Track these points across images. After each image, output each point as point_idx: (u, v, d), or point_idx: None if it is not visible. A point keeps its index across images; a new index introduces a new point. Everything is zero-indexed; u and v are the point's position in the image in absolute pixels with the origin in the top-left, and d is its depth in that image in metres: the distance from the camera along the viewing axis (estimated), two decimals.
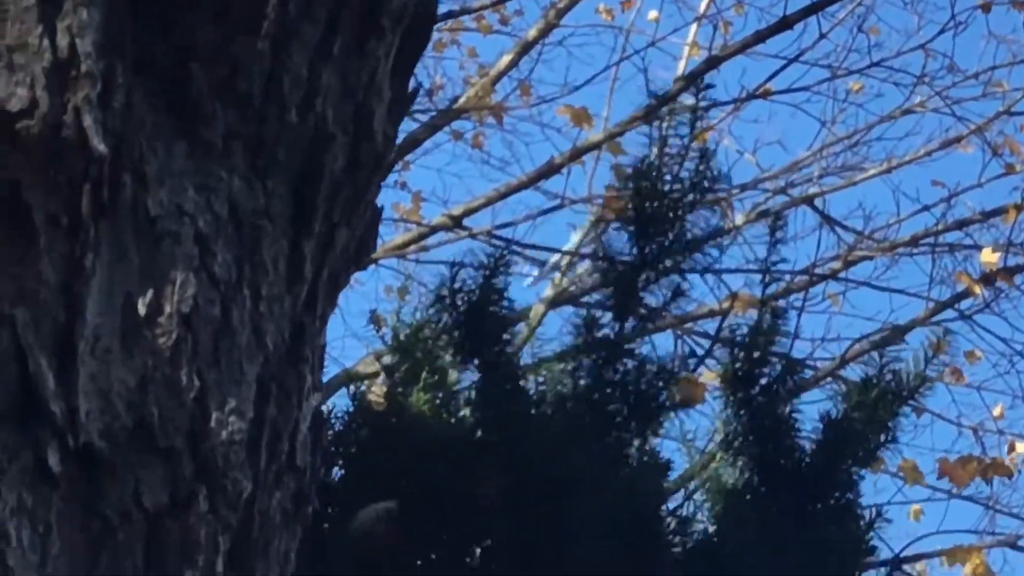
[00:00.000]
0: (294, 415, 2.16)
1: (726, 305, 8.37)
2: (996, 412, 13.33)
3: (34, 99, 1.84)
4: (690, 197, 6.31)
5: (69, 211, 1.87)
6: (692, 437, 6.80)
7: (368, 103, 2.21)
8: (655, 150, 6.45)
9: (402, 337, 6.29)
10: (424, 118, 12.81)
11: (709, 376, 7.28)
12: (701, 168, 6.33)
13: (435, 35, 12.63)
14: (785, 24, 12.61)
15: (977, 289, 12.56)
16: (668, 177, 6.14)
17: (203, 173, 2.02)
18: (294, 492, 2.18)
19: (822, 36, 13.13)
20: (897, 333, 11.64)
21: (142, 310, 1.95)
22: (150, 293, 1.96)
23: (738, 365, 6.21)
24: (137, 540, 1.92)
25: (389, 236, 12.57)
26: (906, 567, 8.33)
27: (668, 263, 6.22)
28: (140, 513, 1.93)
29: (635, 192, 6.24)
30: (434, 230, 13.03)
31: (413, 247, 12.95)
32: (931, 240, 13.22)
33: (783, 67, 13.31)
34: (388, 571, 5.39)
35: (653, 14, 13.65)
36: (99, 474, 1.89)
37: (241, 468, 2.02)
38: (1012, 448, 12.77)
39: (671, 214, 6.22)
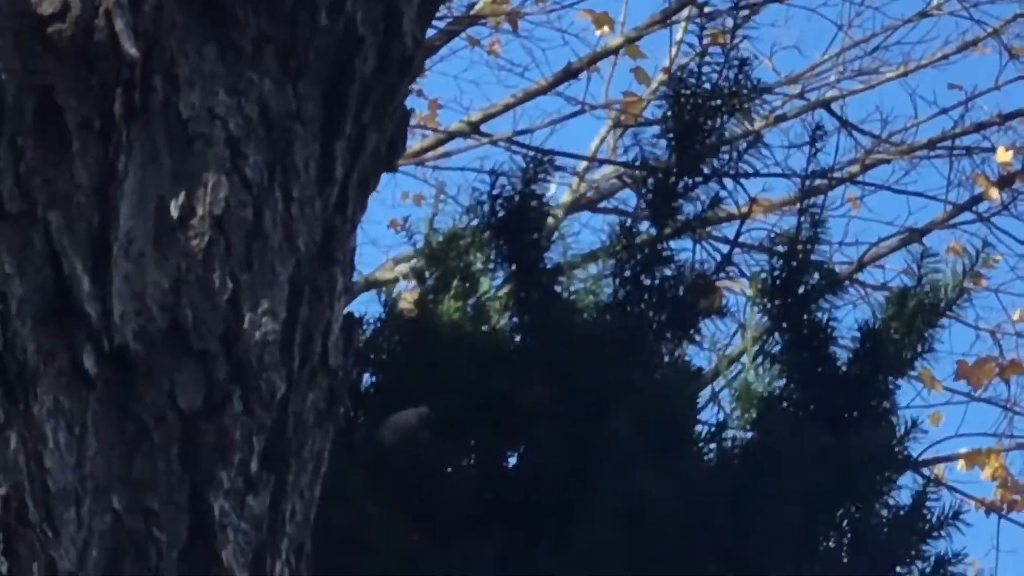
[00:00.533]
0: (326, 316, 2.16)
1: (745, 210, 8.28)
2: (1015, 316, 13.28)
3: (66, 3, 1.84)
4: (728, 105, 6.29)
5: (101, 114, 1.88)
6: (725, 345, 6.84)
7: (397, 4, 2.20)
8: (694, 57, 6.44)
9: (435, 244, 6.28)
10: (440, 24, 12.77)
11: (728, 286, 7.27)
12: (740, 77, 6.30)
13: None
14: None
15: (994, 192, 12.56)
16: (707, 85, 6.13)
17: (234, 76, 2.02)
18: (327, 392, 2.18)
19: None
20: (915, 236, 11.60)
21: (175, 212, 1.95)
22: (182, 195, 1.96)
23: (776, 273, 6.17)
24: (172, 441, 1.94)
25: (407, 142, 12.47)
26: (924, 470, 8.34)
27: (706, 170, 6.21)
28: (175, 414, 1.95)
29: (675, 97, 6.18)
30: (452, 136, 12.99)
31: (431, 154, 12.91)
32: (948, 143, 13.17)
33: None
34: (419, 477, 5.38)
35: None
36: (134, 376, 1.90)
37: (275, 369, 2.03)
38: None
39: (709, 122, 6.20)
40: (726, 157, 6.47)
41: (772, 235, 6.85)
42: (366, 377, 6.05)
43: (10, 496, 1.75)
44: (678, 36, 12.85)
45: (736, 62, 6.31)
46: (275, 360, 2.04)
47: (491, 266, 6.12)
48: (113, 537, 1.88)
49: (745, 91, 6.30)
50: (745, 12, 9.16)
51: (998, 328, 13.11)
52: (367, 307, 7.55)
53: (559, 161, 12.33)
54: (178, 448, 1.95)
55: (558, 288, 6.03)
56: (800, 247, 6.32)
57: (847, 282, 8.62)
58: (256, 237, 2.04)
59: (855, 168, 13.24)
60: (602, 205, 12.49)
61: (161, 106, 1.95)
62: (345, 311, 2.29)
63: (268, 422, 2.05)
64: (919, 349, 6.23)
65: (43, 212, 1.85)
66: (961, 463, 12.17)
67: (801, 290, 6.16)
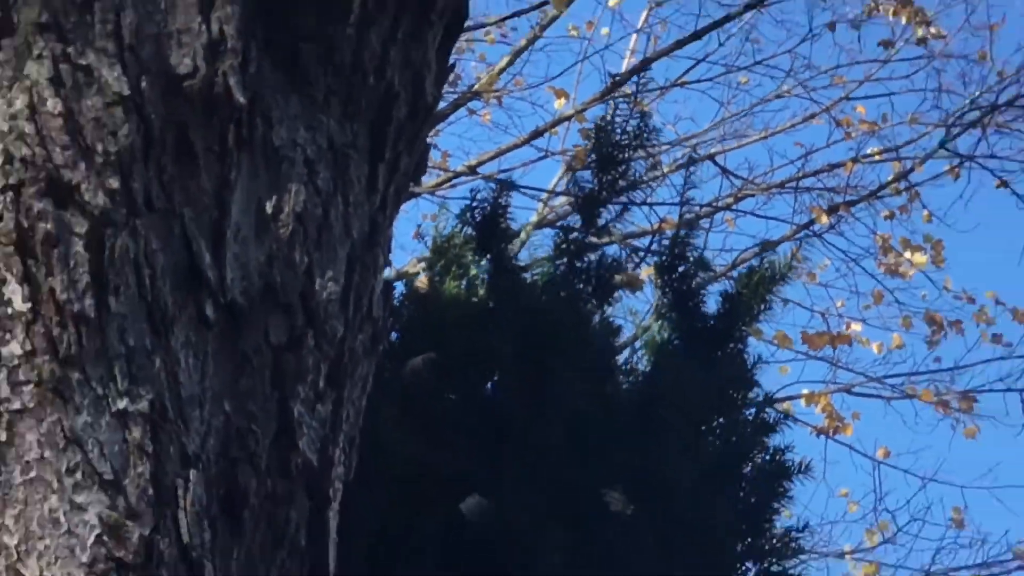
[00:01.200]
0: (371, 283, 2.18)
1: (656, 227, 8.45)
2: (838, 304, 13.53)
3: (196, 66, 1.85)
4: (633, 145, 6.33)
5: (220, 143, 1.89)
6: (635, 312, 6.99)
7: (422, 72, 2.22)
8: (609, 115, 6.49)
9: (439, 243, 6.34)
10: (450, 98, 12.85)
11: (646, 272, 7.33)
12: (641, 125, 6.31)
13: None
14: (696, 36, 12.75)
15: (825, 217, 12.76)
16: (619, 132, 6.19)
17: (310, 117, 2.04)
18: (371, 335, 2.19)
19: (720, 44, 13.17)
20: (769, 245, 11.72)
21: (268, 210, 1.96)
22: (274, 199, 1.97)
23: (666, 261, 6.22)
24: (265, 366, 1.95)
25: (425, 180, 12.67)
26: (777, 406, 8.41)
27: (618, 195, 6.32)
28: (267, 348, 1.96)
29: (596, 143, 6.19)
30: (456, 175, 13.03)
31: (442, 188, 12.93)
32: (794, 184, 13.24)
33: (694, 65, 13.36)
34: (425, 400, 5.39)
35: (605, 30, 13.64)
36: (240, 322, 1.91)
37: (336, 317, 2.04)
38: (848, 326, 12.97)
39: (621, 156, 6.22)
40: (639, 191, 6.63)
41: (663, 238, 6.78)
42: (394, 334, 6.15)
43: (155, 401, 1.75)
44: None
45: (639, 114, 6.34)
46: (336, 311, 2.05)
47: (476, 257, 6.13)
48: (224, 431, 1.89)
49: (645, 134, 6.30)
50: (647, 84, 9.43)
51: (827, 311, 13.17)
52: (395, 288, 7.65)
53: (530, 191, 12.44)
54: (269, 371, 1.95)
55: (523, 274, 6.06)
56: (680, 241, 6.34)
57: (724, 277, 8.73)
58: (324, 228, 2.04)
59: (730, 200, 13.26)
60: (560, 224, 12.61)
61: (260, 138, 1.96)
62: (383, 281, 2.30)
63: (331, 354, 2.04)
64: (761, 308, 6.27)
65: (179, 209, 1.85)
66: (803, 401, 12.34)
67: (682, 269, 6.19)
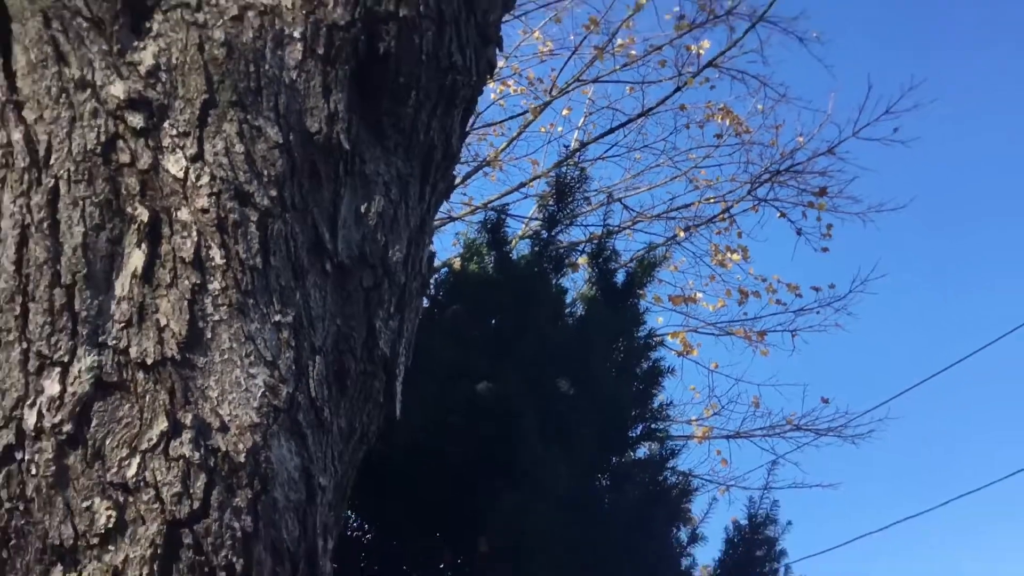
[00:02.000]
0: (422, 254, 2.15)
1: (589, 237, 8.35)
2: (689, 283, 14.06)
3: (321, 128, 1.84)
4: (576, 190, 6.30)
5: (334, 172, 1.89)
6: (576, 281, 7.06)
7: (450, 133, 2.19)
8: (564, 174, 6.44)
9: (467, 243, 6.31)
10: (472, 165, 13.17)
11: (582, 260, 7.27)
12: (580, 178, 6.29)
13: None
14: (611, 131, 13.36)
15: (682, 233, 13.68)
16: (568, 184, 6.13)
17: (386, 159, 2.01)
18: (421, 283, 2.17)
19: (624, 136, 13.86)
20: (653, 247, 11.62)
21: (362, 211, 1.95)
22: (365, 204, 1.95)
23: (594, 253, 6.14)
24: (360, 299, 1.95)
25: (458, 210, 12.99)
26: (656, 338, 8.36)
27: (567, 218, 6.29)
28: (361, 289, 1.94)
29: (556, 189, 6.12)
30: (476, 208, 12.85)
31: (468, 215, 12.89)
32: (666, 215, 13.98)
33: (609, 148, 13.83)
34: (458, 332, 5.36)
35: (560, 129, 14.00)
36: (345, 274, 1.90)
37: (401, 272, 2.03)
38: (695, 295, 13.52)
39: (569, 197, 6.16)
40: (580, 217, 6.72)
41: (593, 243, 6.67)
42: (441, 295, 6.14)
43: (297, 316, 1.78)
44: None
45: (579, 172, 6.34)
46: (400, 269, 2.03)
47: (488, 251, 6.09)
48: (336, 334, 1.89)
49: (583, 184, 6.28)
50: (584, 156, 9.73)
51: (683, 285, 14.00)
52: (440, 270, 7.59)
53: (517, 216, 12.54)
54: (362, 301, 1.95)
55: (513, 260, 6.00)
56: (602, 246, 6.28)
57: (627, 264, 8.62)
58: (394, 221, 2.02)
59: (630, 223, 13.77)
60: (534, 234, 12.56)
61: (358, 170, 1.95)
62: (428, 253, 2.29)
63: (397, 292, 2.04)
64: (646, 280, 6.23)
65: (311, 208, 1.86)
66: (670, 336, 12.94)
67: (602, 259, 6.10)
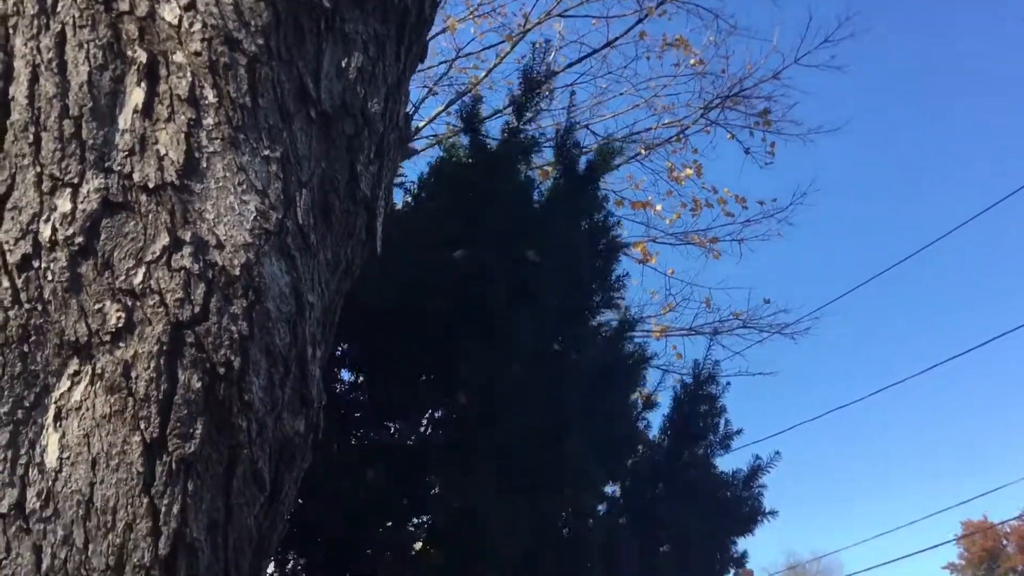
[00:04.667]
0: (399, 108, 2.11)
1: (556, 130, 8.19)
2: (650, 198, 14.26)
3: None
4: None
5: (317, 29, 1.86)
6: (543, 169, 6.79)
7: (424, 5, 2.19)
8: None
9: (446, 147, 6.16)
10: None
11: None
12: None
13: None
14: (579, 60, 13.73)
15: (644, 151, 13.86)
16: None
17: (365, 20, 1.96)
18: (397, 136, 2.14)
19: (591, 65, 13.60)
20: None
21: (343, 65, 1.91)
22: (345, 60, 1.93)
23: (561, 143, 5.98)
24: (342, 144, 1.93)
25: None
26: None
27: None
28: (343, 135, 1.92)
29: (524, 86, 5.87)
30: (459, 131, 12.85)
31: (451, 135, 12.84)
32: (628, 135, 13.88)
33: (577, 78, 13.89)
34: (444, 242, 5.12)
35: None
36: (329, 121, 1.88)
37: (379, 121, 2.01)
38: (656, 207, 13.81)
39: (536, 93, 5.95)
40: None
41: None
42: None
43: (284, 152, 1.77)
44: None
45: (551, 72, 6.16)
46: (379, 119, 2.00)
47: (464, 151, 5.89)
48: (321, 176, 1.87)
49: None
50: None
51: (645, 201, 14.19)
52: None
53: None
54: (344, 146, 1.93)
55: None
56: (567, 137, 6.09)
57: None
58: (372, 76, 1.99)
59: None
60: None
61: (339, 28, 1.92)
62: (404, 113, 2.24)
63: (376, 140, 2.02)
64: (607, 168, 6.09)
65: (296, 59, 1.83)
66: (632, 246, 13.06)
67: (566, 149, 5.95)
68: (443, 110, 13.01)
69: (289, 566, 4.63)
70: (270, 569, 4.66)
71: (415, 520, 4.59)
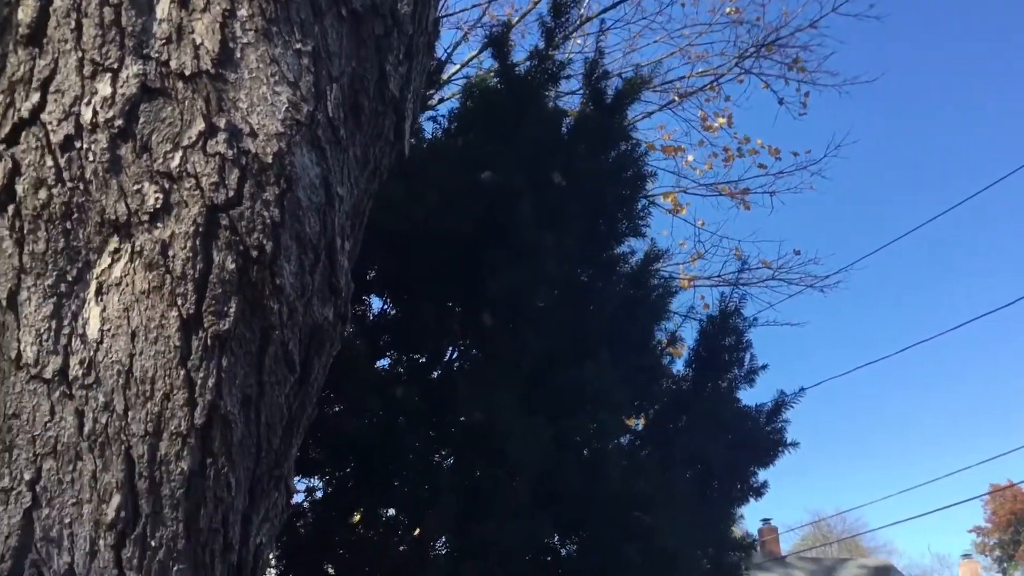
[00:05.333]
0: (428, 12, 2.11)
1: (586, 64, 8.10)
2: (683, 148, 14.21)
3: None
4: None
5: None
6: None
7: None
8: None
9: (476, 79, 6.10)
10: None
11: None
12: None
13: None
14: (613, 6, 13.06)
15: (678, 98, 13.75)
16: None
17: None
18: (426, 40, 2.15)
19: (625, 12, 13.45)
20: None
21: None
22: None
23: (589, 71, 5.93)
24: (372, 44, 1.94)
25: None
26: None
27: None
28: (373, 37, 1.93)
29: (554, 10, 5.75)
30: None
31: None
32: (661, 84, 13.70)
33: (611, 23, 13.60)
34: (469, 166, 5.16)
35: None
36: (360, 20, 1.90)
37: (409, 23, 2.02)
38: (688, 158, 14.03)
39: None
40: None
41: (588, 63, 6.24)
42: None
43: (315, 47, 1.80)
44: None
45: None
46: (409, 21, 2.01)
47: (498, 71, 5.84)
48: (351, 75, 1.88)
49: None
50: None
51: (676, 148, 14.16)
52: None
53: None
54: (374, 48, 1.94)
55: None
56: (595, 66, 5.97)
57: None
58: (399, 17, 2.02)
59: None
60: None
61: None
62: (434, 15, 2.25)
63: (405, 42, 2.02)
64: (634, 97, 5.98)
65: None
66: (661, 197, 13.07)
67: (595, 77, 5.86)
68: (476, 55, 12.90)
69: (325, 479, 4.77)
70: (315, 483, 4.81)
71: (441, 435, 4.69)
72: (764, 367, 8.03)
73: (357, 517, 4.75)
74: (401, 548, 4.43)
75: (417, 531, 4.43)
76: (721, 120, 14.07)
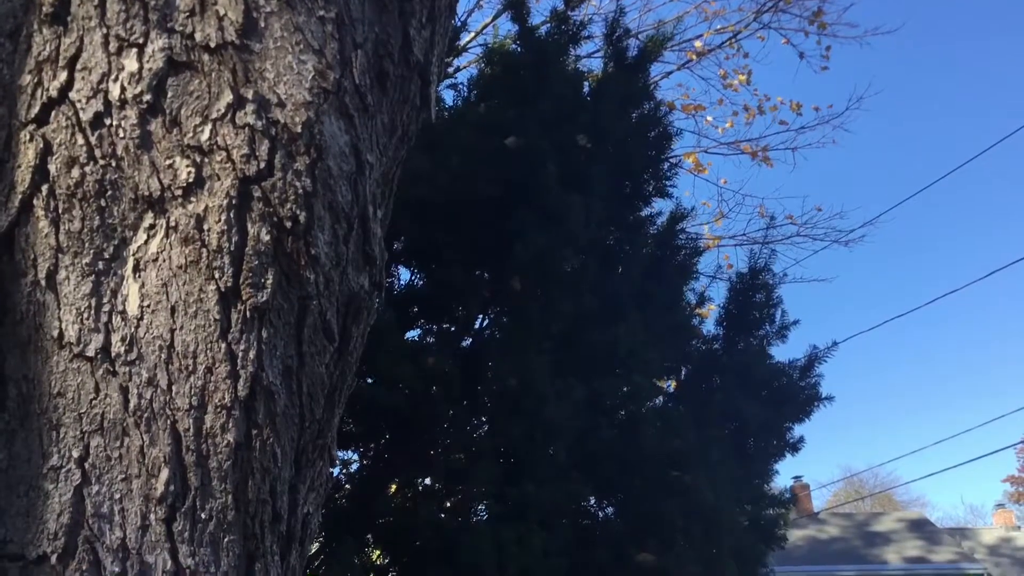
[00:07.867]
0: None
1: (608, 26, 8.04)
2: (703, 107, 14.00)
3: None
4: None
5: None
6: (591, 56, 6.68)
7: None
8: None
9: (494, 46, 6.08)
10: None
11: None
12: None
13: None
14: None
15: (695, 56, 13.66)
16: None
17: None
18: (448, 1, 2.17)
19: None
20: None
21: None
22: None
23: (610, 31, 5.85)
24: (395, 8, 1.93)
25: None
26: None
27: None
28: (395, 3, 1.98)
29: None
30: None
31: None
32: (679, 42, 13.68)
33: None
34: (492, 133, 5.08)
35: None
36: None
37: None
38: (708, 119, 13.83)
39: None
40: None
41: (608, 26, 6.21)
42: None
43: (338, 13, 1.79)
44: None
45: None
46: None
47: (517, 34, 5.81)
48: (375, 41, 1.86)
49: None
50: None
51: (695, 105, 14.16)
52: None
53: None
54: (397, 12, 1.92)
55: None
56: (616, 26, 5.94)
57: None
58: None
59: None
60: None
61: None
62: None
63: (427, 4, 2.01)
64: (656, 56, 5.95)
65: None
66: (683, 157, 13.15)
67: (616, 37, 5.81)
68: (491, 22, 12.80)
69: (360, 451, 4.81)
70: (350, 455, 4.86)
71: (474, 402, 4.71)
72: (796, 322, 8.00)
73: (394, 487, 4.79)
74: (441, 515, 4.46)
75: (456, 497, 4.46)
76: (741, 77, 13.97)
